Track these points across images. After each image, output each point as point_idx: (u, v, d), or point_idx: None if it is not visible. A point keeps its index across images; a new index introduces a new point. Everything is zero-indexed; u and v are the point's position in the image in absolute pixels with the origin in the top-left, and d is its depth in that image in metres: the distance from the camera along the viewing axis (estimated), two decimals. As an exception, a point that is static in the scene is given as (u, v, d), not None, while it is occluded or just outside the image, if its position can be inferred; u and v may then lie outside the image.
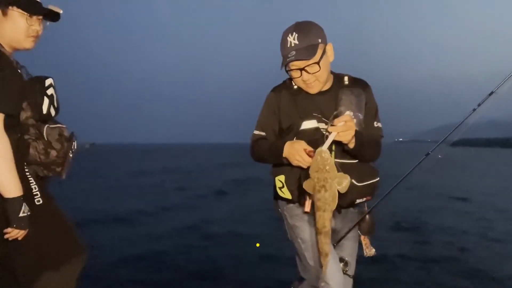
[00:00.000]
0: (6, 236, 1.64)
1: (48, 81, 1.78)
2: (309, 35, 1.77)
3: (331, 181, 1.58)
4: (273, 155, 1.84)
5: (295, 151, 1.71)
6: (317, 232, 1.66)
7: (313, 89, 1.85)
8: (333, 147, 1.80)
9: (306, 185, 1.64)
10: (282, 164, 1.88)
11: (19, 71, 1.71)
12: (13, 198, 1.61)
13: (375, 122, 1.93)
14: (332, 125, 1.65)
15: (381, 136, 1.95)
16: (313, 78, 1.81)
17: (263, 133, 1.94)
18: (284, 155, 1.77)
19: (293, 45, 1.75)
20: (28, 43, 1.74)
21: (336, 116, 1.68)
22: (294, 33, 1.76)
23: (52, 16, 1.80)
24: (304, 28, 1.78)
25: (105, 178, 17.38)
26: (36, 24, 1.75)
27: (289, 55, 1.75)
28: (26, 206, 1.65)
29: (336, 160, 1.81)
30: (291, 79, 1.91)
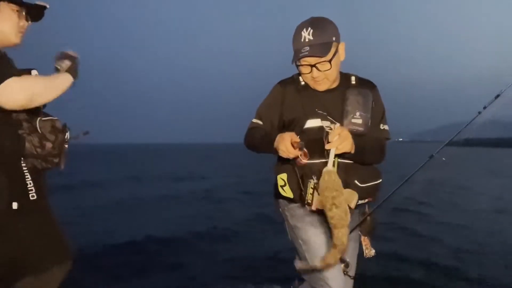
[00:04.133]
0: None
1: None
2: (325, 32, 1.75)
3: (339, 198, 1.59)
4: (264, 145, 1.83)
5: (282, 140, 1.69)
6: (333, 246, 1.65)
7: (321, 87, 1.84)
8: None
9: (315, 202, 1.67)
10: (284, 162, 1.87)
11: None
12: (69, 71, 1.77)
13: (381, 125, 1.91)
14: (328, 142, 1.63)
15: (387, 139, 1.93)
16: (323, 76, 1.79)
17: (260, 122, 1.93)
18: (274, 145, 1.76)
19: (307, 40, 1.73)
20: (18, 39, 1.72)
21: (328, 133, 1.66)
22: (310, 28, 1.74)
23: (37, 13, 1.78)
24: (320, 24, 1.76)
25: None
26: (23, 19, 1.72)
27: (303, 50, 1.72)
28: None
29: (339, 160, 1.80)
30: (299, 74, 1.90)
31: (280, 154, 1.73)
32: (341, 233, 1.62)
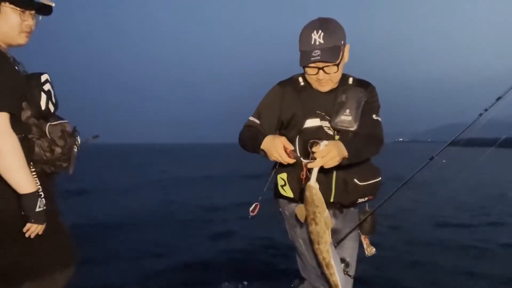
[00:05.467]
0: (27, 233, 1.65)
1: (44, 77, 1.77)
2: (334, 35, 1.74)
3: (319, 215, 1.61)
4: (253, 144, 1.79)
5: (274, 147, 1.66)
6: (320, 265, 1.69)
7: (325, 88, 1.85)
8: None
9: (298, 211, 1.67)
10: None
11: (16, 68, 1.70)
12: (29, 194, 1.63)
13: (374, 115, 1.89)
14: (313, 158, 1.58)
15: (380, 128, 1.90)
16: (328, 78, 1.80)
17: (257, 121, 1.90)
18: (262, 147, 1.72)
19: (317, 43, 1.72)
20: (22, 39, 1.72)
21: (312, 146, 1.61)
22: (320, 31, 1.73)
23: (45, 10, 1.77)
24: (330, 27, 1.75)
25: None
26: (29, 19, 1.72)
27: (314, 54, 1.72)
28: (42, 200, 1.67)
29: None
30: (298, 75, 1.91)
31: (272, 159, 1.70)
32: (320, 250, 1.65)
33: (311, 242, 1.69)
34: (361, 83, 1.92)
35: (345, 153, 1.62)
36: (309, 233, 1.67)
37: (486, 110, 2.03)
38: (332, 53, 1.73)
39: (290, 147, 1.66)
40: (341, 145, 1.62)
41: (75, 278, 1.89)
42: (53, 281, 1.79)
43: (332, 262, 1.66)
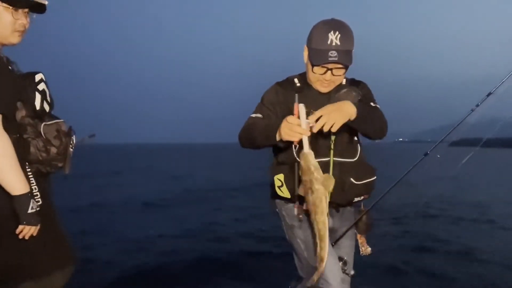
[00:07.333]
0: (20, 235, 1.64)
1: (38, 76, 1.76)
2: (349, 39, 1.76)
3: (316, 182, 1.58)
4: (266, 134, 1.74)
5: (288, 125, 1.60)
6: (313, 235, 1.67)
7: (326, 89, 1.87)
8: (332, 139, 1.81)
9: (300, 191, 1.65)
10: (281, 163, 1.90)
11: (9, 67, 1.69)
12: (20, 195, 1.62)
13: (371, 103, 1.91)
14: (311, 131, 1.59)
15: (381, 112, 1.90)
16: (333, 79, 1.82)
17: (260, 116, 1.88)
18: (279, 131, 1.65)
19: (334, 44, 1.73)
20: (15, 38, 1.70)
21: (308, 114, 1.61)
22: (338, 32, 1.73)
23: (38, 8, 1.74)
24: (346, 30, 1.76)
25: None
26: (22, 18, 1.70)
27: (331, 54, 1.72)
28: (35, 202, 1.66)
29: (335, 159, 1.83)
30: (294, 76, 1.93)
31: (285, 139, 1.62)
32: (316, 220, 1.61)
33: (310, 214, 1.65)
34: (354, 83, 1.95)
35: (350, 112, 1.64)
36: (308, 205, 1.63)
37: (477, 105, 2.05)
38: (347, 57, 1.74)
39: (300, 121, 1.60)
40: (347, 104, 1.66)
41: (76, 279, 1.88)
42: (52, 281, 1.78)
43: (327, 235, 1.61)
